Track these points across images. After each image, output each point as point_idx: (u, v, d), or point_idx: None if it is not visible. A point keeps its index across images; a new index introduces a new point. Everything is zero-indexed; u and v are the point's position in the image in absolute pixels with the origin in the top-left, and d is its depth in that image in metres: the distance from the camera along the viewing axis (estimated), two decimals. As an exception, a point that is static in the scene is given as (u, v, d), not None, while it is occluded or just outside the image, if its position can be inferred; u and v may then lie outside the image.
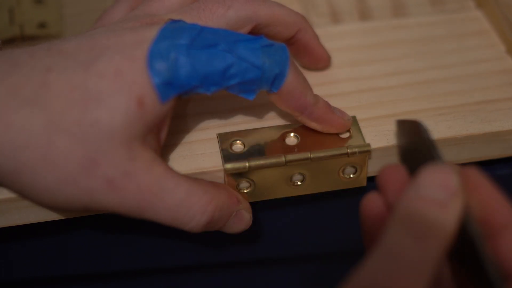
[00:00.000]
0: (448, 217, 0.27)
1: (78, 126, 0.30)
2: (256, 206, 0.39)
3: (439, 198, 0.27)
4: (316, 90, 0.39)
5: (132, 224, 0.39)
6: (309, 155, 0.34)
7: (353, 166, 0.36)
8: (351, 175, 0.36)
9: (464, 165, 0.38)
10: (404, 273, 0.25)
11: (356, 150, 0.35)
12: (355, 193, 0.39)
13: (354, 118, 0.36)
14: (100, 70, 0.31)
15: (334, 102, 0.38)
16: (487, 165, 0.39)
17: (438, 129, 0.36)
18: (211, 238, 0.39)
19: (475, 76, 0.40)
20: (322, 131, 0.36)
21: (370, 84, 0.39)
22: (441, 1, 0.45)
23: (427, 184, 0.28)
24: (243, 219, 0.34)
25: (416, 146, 0.30)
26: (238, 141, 0.35)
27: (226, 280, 0.45)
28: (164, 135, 0.33)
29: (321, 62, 0.39)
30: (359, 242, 0.43)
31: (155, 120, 0.32)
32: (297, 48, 0.38)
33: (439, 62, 0.41)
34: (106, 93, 0.31)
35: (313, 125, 0.35)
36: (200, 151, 0.36)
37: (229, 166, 0.34)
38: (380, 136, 0.36)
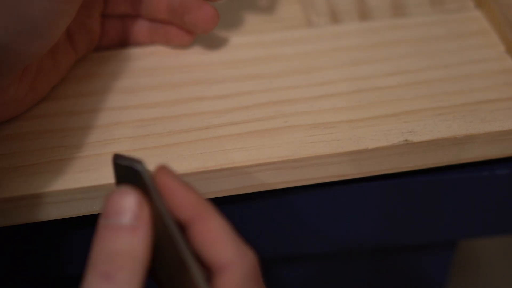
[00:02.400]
0: (135, 241, 0.27)
1: None
2: (256, 206, 0.39)
3: (119, 222, 0.27)
4: (316, 90, 0.39)
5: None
6: None
7: None
8: None
9: (464, 165, 0.38)
10: None
11: None
12: (355, 193, 0.39)
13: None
14: None
15: (334, 102, 0.38)
16: (487, 165, 0.39)
17: (438, 129, 0.36)
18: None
19: (475, 76, 0.40)
20: None
21: (370, 84, 0.39)
22: (441, 1, 0.45)
23: (110, 212, 0.27)
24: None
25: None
26: None
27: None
28: None
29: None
30: (359, 242, 0.43)
31: None
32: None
33: (439, 62, 0.41)
34: None
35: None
36: (200, 151, 0.36)
37: None
38: (380, 136, 0.36)
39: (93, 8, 0.39)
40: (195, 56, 0.41)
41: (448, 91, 0.39)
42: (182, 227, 0.29)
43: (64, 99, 0.38)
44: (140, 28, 0.41)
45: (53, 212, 0.35)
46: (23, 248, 0.39)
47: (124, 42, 0.42)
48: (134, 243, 0.27)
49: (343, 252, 0.46)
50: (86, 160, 0.35)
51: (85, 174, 0.35)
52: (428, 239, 0.43)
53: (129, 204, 0.27)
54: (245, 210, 0.39)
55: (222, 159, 0.35)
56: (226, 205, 0.37)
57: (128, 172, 0.29)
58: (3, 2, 0.31)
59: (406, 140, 0.36)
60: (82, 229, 0.38)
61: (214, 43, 0.42)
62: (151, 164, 0.35)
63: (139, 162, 0.28)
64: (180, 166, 0.35)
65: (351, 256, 0.49)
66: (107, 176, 0.35)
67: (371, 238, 0.43)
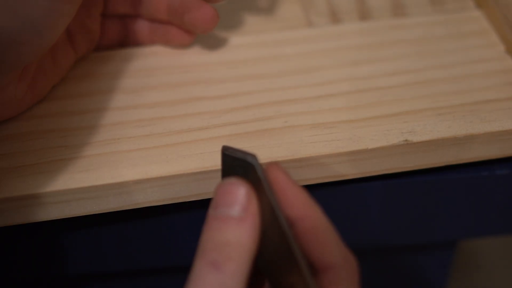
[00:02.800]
0: (243, 232, 0.27)
1: None
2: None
3: (230, 213, 0.28)
4: (316, 90, 0.39)
5: (132, 224, 0.39)
6: None
7: None
8: None
9: (464, 165, 0.38)
10: None
11: None
12: (355, 193, 0.39)
13: None
14: None
15: (334, 102, 0.38)
16: (487, 165, 0.39)
17: (438, 129, 0.36)
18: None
19: (475, 76, 0.40)
20: None
21: (370, 84, 0.39)
22: (441, 1, 0.45)
23: (222, 202, 0.28)
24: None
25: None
26: None
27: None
28: None
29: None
30: (359, 242, 0.43)
31: None
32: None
33: (439, 62, 0.41)
34: None
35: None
36: (200, 151, 0.36)
37: None
38: (380, 136, 0.36)
39: (93, 8, 0.39)
40: (195, 56, 0.41)
41: (448, 91, 0.39)
42: (290, 223, 0.29)
43: (64, 99, 0.38)
44: (140, 28, 0.41)
45: (53, 212, 0.35)
46: (23, 248, 0.39)
47: (124, 42, 0.42)
48: (242, 234, 0.27)
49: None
50: (86, 160, 0.35)
51: (85, 174, 0.35)
52: (428, 239, 0.43)
53: (239, 196, 0.28)
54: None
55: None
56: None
57: (237, 164, 0.29)
58: (4, 1, 0.31)
59: (406, 140, 0.36)
60: (82, 229, 0.39)
61: (214, 43, 0.42)
62: (149, 164, 0.35)
63: (252, 155, 0.29)
64: (180, 166, 0.35)
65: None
66: (107, 176, 0.35)
67: (371, 238, 0.42)
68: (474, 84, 0.39)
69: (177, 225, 0.39)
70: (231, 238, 0.27)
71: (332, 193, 0.39)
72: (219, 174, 0.35)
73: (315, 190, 0.38)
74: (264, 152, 0.36)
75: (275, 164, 0.30)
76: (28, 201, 0.34)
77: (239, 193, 0.28)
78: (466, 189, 0.40)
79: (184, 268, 0.43)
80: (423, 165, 0.37)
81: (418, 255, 0.50)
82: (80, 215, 0.35)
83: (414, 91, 0.39)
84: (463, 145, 0.37)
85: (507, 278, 0.92)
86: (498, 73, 0.40)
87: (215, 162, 0.35)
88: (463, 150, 0.37)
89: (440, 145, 0.36)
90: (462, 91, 0.39)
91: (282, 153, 0.36)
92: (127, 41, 0.42)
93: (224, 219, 0.28)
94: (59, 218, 0.35)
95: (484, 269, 0.92)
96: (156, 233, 0.40)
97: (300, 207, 0.29)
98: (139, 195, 0.35)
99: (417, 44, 0.42)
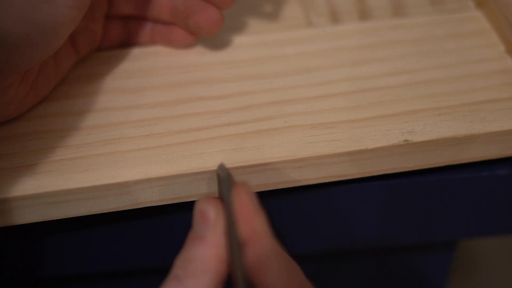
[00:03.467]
0: (207, 251, 0.29)
1: None
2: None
3: (199, 233, 0.29)
4: (316, 90, 0.39)
5: (132, 224, 0.39)
6: None
7: None
8: None
9: (464, 165, 0.38)
10: None
11: None
12: (355, 193, 0.39)
13: None
14: None
15: (334, 102, 0.38)
16: (487, 165, 0.39)
17: (438, 129, 0.36)
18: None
19: (475, 76, 0.40)
20: None
21: (370, 84, 0.39)
22: (441, 1, 0.45)
23: (195, 222, 0.30)
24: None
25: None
26: None
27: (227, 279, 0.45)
28: None
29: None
30: (359, 242, 0.43)
31: None
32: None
33: (439, 62, 0.41)
34: None
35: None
36: (200, 151, 0.36)
37: None
38: (380, 136, 0.36)
39: (97, 11, 0.39)
40: (195, 56, 0.41)
41: (448, 91, 0.39)
42: (241, 243, 0.30)
43: (65, 99, 0.38)
44: (143, 29, 0.41)
45: (53, 212, 0.35)
46: (23, 248, 0.39)
47: (126, 43, 0.42)
48: (205, 253, 0.29)
49: (343, 252, 0.46)
50: (86, 160, 0.35)
51: (85, 174, 0.35)
52: (428, 239, 0.43)
53: (207, 216, 0.30)
54: (245, 210, 0.39)
55: (222, 159, 0.35)
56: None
57: (219, 182, 0.32)
58: (13, 6, 0.31)
59: (406, 140, 0.36)
60: (83, 229, 0.38)
61: (214, 43, 0.42)
62: (149, 164, 0.35)
63: (224, 171, 0.31)
64: (180, 166, 0.35)
65: (351, 256, 0.49)
66: (107, 176, 0.35)
67: (371, 238, 0.42)
68: (474, 84, 0.39)
69: (177, 225, 0.39)
70: (195, 255, 0.29)
71: (332, 193, 0.39)
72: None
73: (315, 190, 0.38)
74: (264, 152, 0.36)
75: (242, 185, 0.31)
76: (28, 201, 0.34)
77: (209, 213, 0.30)
78: (466, 189, 0.40)
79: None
80: (423, 165, 0.37)
81: (418, 255, 0.50)
82: (80, 215, 0.35)
83: (414, 91, 0.39)
84: (463, 145, 0.37)
85: (507, 278, 0.92)
86: (498, 73, 0.40)
87: (215, 162, 0.35)
88: (463, 150, 0.37)
89: (440, 145, 0.36)
90: (462, 91, 0.39)
91: (282, 153, 0.36)
92: (129, 42, 0.42)
93: (192, 238, 0.29)
94: (59, 218, 0.35)
95: (484, 269, 0.92)
96: (156, 233, 0.40)
97: (251, 228, 0.30)
98: (139, 195, 0.35)
99: (417, 44, 0.42)
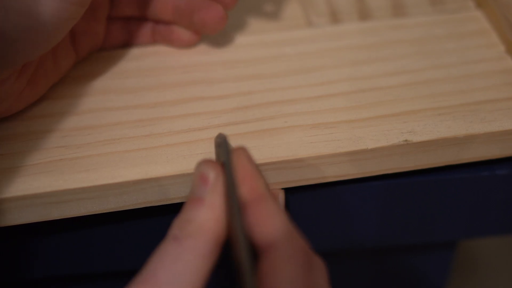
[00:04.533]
0: (205, 212, 0.29)
1: None
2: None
3: (198, 194, 0.29)
4: (316, 90, 0.39)
5: (132, 224, 0.39)
6: None
7: None
8: None
9: (464, 165, 0.38)
10: (166, 274, 0.28)
11: None
12: (355, 193, 0.39)
13: None
14: None
15: (334, 102, 0.38)
16: (487, 165, 0.39)
17: (438, 129, 0.36)
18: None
19: (475, 76, 0.40)
20: None
21: (370, 84, 0.39)
22: (441, 1, 0.45)
23: (193, 183, 0.30)
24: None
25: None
26: None
27: (227, 279, 0.45)
28: None
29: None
30: (359, 242, 0.43)
31: None
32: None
33: (439, 62, 0.41)
34: None
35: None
36: (200, 151, 0.36)
37: None
38: (380, 136, 0.36)
39: (99, 12, 0.39)
40: (196, 56, 0.41)
41: (448, 91, 0.39)
42: (242, 205, 0.30)
43: (64, 99, 0.38)
44: (144, 29, 0.41)
45: (53, 212, 0.35)
46: (22, 248, 0.39)
47: (127, 43, 0.42)
48: (204, 214, 0.29)
49: (343, 252, 0.46)
50: (86, 160, 0.35)
51: (85, 174, 0.35)
52: (428, 239, 0.43)
53: (207, 178, 0.30)
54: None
55: (222, 159, 0.35)
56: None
57: (217, 147, 0.32)
58: None
59: (406, 140, 0.36)
60: (82, 229, 0.39)
61: (214, 43, 0.42)
62: (149, 164, 0.35)
63: (222, 137, 0.31)
64: (180, 166, 0.35)
65: (351, 256, 0.49)
66: (107, 176, 0.35)
67: (371, 238, 0.42)
68: (474, 84, 0.39)
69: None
70: (193, 217, 0.29)
71: (332, 193, 0.39)
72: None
73: (315, 190, 0.38)
74: (264, 152, 0.36)
75: (241, 148, 0.31)
76: (28, 201, 0.34)
77: (208, 175, 0.30)
78: (466, 189, 0.40)
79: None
80: (423, 165, 0.37)
81: (418, 255, 0.50)
82: (80, 215, 0.35)
83: (414, 91, 0.39)
84: (463, 145, 0.37)
85: (507, 278, 0.92)
86: (498, 73, 0.40)
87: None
88: (463, 150, 0.37)
89: (440, 145, 0.36)
90: (462, 91, 0.39)
91: (282, 153, 0.36)
92: (130, 42, 0.42)
93: (191, 200, 0.29)
94: (59, 218, 0.35)
95: (484, 269, 0.92)
96: (156, 233, 0.40)
97: (251, 189, 0.30)
98: (139, 195, 0.35)
99: (417, 44, 0.42)
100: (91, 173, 0.35)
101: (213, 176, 0.30)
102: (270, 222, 0.29)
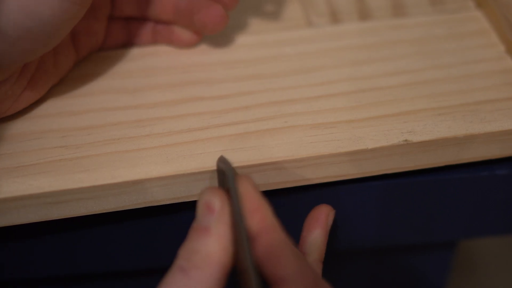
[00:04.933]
0: (212, 242, 0.28)
1: None
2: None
3: (204, 223, 0.29)
4: (316, 90, 0.39)
5: (131, 224, 0.39)
6: None
7: None
8: None
9: (464, 165, 0.38)
10: None
11: None
12: (355, 193, 0.39)
13: None
14: None
15: (334, 102, 0.38)
16: (487, 165, 0.39)
17: (438, 129, 0.36)
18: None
19: (475, 76, 0.40)
20: None
21: (370, 84, 0.39)
22: (441, 1, 0.45)
23: (199, 212, 0.29)
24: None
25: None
26: None
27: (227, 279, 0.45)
28: None
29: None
30: (359, 242, 0.43)
31: None
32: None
33: (439, 62, 0.41)
34: None
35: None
36: (200, 151, 0.36)
37: None
38: (380, 136, 0.36)
39: (100, 11, 0.39)
40: (195, 56, 0.41)
41: (448, 91, 0.39)
42: (250, 236, 0.30)
43: (64, 99, 0.38)
44: (144, 30, 0.41)
45: (53, 212, 0.35)
46: (22, 248, 0.39)
47: (127, 43, 0.42)
48: (211, 244, 0.28)
49: (343, 252, 0.46)
50: (86, 160, 0.35)
51: (85, 174, 0.35)
52: (428, 239, 0.43)
53: (212, 207, 0.29)
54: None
55: (222, 159, 0.35)
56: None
57: (220, 174, 0.31)
58: None
59: (406, 140, 0.36)
60: (82, 229, 0.39)
61: (214, 43, 0.42)
62: (149, 164, 0.35)
63: (228, 167, 0.30)
64: (180, 166, 0.35)
65: (351, 256, 0.49)
66: (107, 176, 0.35)
67: (371, 238, 0.43)
68: (474, 84, 0.39)
69: (177, 225, 0.39)
70: (199, 247, 0.28)
71: (332, 193, 0.39)
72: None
73: (315, 190, 0.38)
74: (264, 152, 0.36)
75: (246, 177, 0.31)
76: (28, 201, 0.34)
77: (213, 204, 0.29)
78: (466, 189, 0.40)
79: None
80: (423, 165, 0.37)
81: (418, 255, 0.50)
82: (80, 215, 0.35)
83: (414, 91, 0.39)
84: (463, 145, 0.37)
85: (507, 278, 0.92)
86: (498, 73, 0.40)
87: (215, 162, 0.35)
88: (463, 150, 0.37)
89: (440, 145, 0.36)
90: (462, 91, 0.39)
91: (282, 153, 0.36)
92: (130, 42, 0.42)
93: (197, 229, 0.29)
94: (59, 218, 0.35)
95: (484, 269, 0.92)
96: (156, 233, 0.40)
97: (260, 220, 0.30)
98: (139, 195, 0.35)
99: (417, 44, 0.42)
100: (90, 173, 0.35)
101: (219, 204, 0.29)
102: (281, 255, 0.29)
